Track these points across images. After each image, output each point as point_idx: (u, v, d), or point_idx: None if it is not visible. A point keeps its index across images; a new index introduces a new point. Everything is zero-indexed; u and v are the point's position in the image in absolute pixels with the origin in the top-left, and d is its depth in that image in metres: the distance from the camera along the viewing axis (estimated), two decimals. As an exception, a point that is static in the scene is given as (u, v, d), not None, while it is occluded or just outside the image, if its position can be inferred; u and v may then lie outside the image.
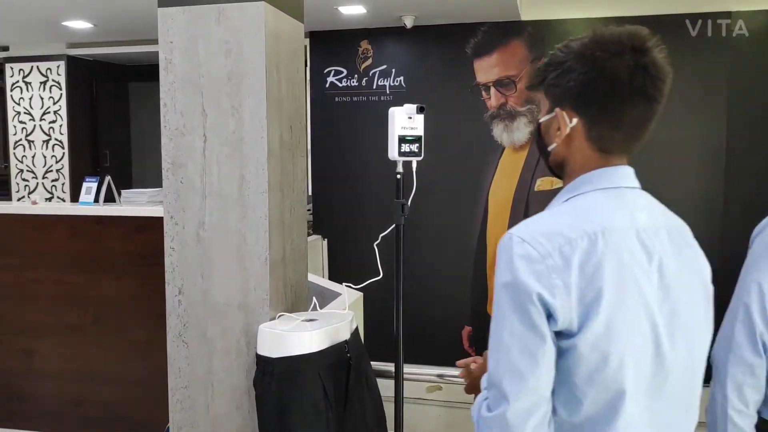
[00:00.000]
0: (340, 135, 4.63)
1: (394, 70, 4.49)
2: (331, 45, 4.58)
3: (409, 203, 1.69)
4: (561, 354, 0.91)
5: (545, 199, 4.23)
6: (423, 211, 4.51)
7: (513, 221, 4.36)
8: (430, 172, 4.43)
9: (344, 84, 4.56)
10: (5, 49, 5.01)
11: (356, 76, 4.55)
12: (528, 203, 4.34)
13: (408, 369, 2.21)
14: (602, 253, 0.91)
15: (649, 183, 1.14)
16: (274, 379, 1.62)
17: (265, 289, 1.77)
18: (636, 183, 1.04)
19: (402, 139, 1.60)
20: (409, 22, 4.15)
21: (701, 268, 1.04)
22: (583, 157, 1.01)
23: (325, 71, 4.59)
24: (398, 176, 1.64)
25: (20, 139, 5.02)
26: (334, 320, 1.76)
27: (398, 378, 1.73)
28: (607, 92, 0.97)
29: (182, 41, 1.78)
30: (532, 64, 4.27)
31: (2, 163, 5.34)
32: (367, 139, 4.57)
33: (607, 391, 0.90)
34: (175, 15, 1.77)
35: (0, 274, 3.55)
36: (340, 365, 1.70)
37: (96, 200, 3.51)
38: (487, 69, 4.34)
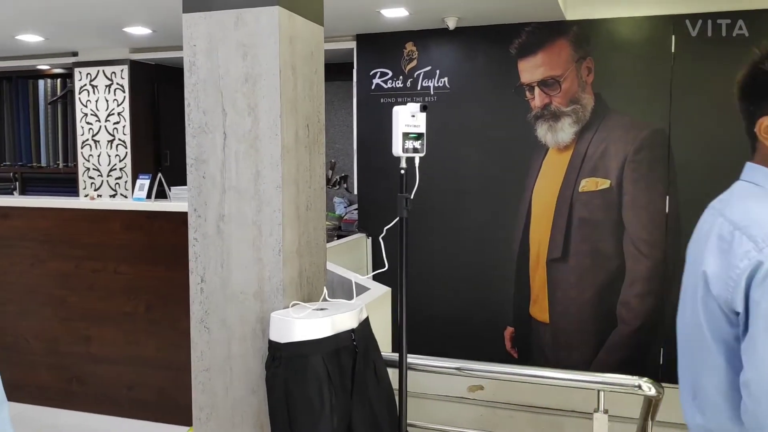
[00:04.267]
0: (385, 136, 4.70)
1: (438, 71, 4.54)
2: (377, 47, 4.67)
3: (412, 197, 1.75)
4: None
5: (590, 200, 4.21)
6: (466, 211, 4.56)
7: (557, 222, 4.35)
8: (475, 173, 4.50)
9: (390, 85, 4.65)
10: (75, 54, 5.34)
11: (401, 77, 4.62)
12: (572, 204, 4.31)
13: (426, 361, 2.28)
14: None
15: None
16: (282, 363, 1.72)
17: (279, 279, 1.87)
18: None
19: (406, 137, 1.66)
20: (451, 24, 4.19)
21: None
22: None
23: (371, 73, 4.69)
24: (402, 172, 1.71)
25: (87, 139, 5.34)
26: (342, 309, 1.84)
27: (401, 369, 1.79)
28: None
29: (204, 44, 1.90)
30: (577, 64, 4.24)
31: (71, 162, 5.68)
32: (412, 140, 4.63)
33: None
34: (198, 20, 1.90)
35: (64, 264, 3.82)
36: (346, 352, 1.78)
37: (149, 196, 3.72)
38: (531, 69, 4.34)
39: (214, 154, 1.91)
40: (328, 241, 5.01)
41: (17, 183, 6.07)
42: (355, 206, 5.19)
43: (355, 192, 4.91)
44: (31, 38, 4.80)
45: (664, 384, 4.16)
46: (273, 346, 1.75)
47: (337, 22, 4.37)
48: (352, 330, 1.80)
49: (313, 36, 2.02)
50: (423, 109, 1.66)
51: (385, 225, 4.70)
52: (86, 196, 5.07)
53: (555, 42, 4.27)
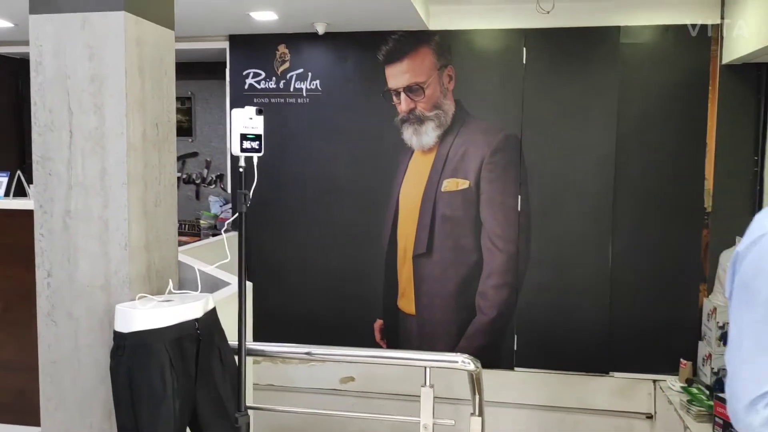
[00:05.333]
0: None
1: (310, 74, 4.69)
2: (250, 48, 4.76)
3: (251, 194, 1.88)
4: None
5: (451, 199, 4.51)
6: (339, 208, 4.74)
7: (422, 220, 4.61)
8: (346, 172, 4.68)
9: (263, 86, 4.75)
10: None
11: (274, 78, 4.74)
12: (436, 203, 4.59)
13: (276, 348, 2.43)
14: None
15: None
16: (126, 351, 1.80)
17: (125, 273, 1.95)
18: None
19: (243, 137, 1.80)
20: (321, 29, 4.36)
21: None
22: None
23: (245, 73, 4.77)
24: (240, 170, 1.84)
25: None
26: (187, 300, 1.95)
27: (240, 353, 1.93)
28: None
29: (50, 46, 1.95)
30: (439, 72, 4.52)
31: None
32: (285, 140, 4.77)
33: None
34: (44, 21, 1.95)
35: None
36: (189, 340, 1.89)
37: (6, 194, 3.62)
38: (397, 75, 4.58)
39: (60, 151, 1.96)
40: (202, 239, 5.04)
41: None
42: (230, 205, 5.24)
43: (229, 191, 4.97)
44: None
45: (517, 368, 4.57)
46: (117, 336, 1.84)
47: (207, 22, 4.42)
48: (196, 319, 1.91)
49: (163, 39, 2.11)
50: (259, 112, 1.81)
51: (263, 223, 4.82)
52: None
53: (419, 50, 4.53)
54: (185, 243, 5.21)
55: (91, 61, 1.93)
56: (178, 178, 5.67)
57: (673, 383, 4.28)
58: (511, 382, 4.61)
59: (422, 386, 2.07)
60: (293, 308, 4.87)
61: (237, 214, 1.88)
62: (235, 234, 4.77)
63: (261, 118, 1.82)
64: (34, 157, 1.99)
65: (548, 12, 4.12)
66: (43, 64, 1.96)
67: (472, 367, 2.06)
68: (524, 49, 4.42)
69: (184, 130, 5.76)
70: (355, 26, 4.47)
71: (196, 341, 1.91)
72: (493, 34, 4.46)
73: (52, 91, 1.96)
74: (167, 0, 2.16)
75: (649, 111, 4.32)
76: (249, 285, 3.03)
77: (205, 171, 5.74)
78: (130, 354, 1.80)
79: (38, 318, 2.02)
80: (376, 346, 4.80)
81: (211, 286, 3.16)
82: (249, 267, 4.85)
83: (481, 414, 2.09)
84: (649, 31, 4.28)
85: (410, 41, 4.54)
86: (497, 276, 4.58)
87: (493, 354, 4.62)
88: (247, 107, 1.80)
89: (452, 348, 4.66)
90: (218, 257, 4.64)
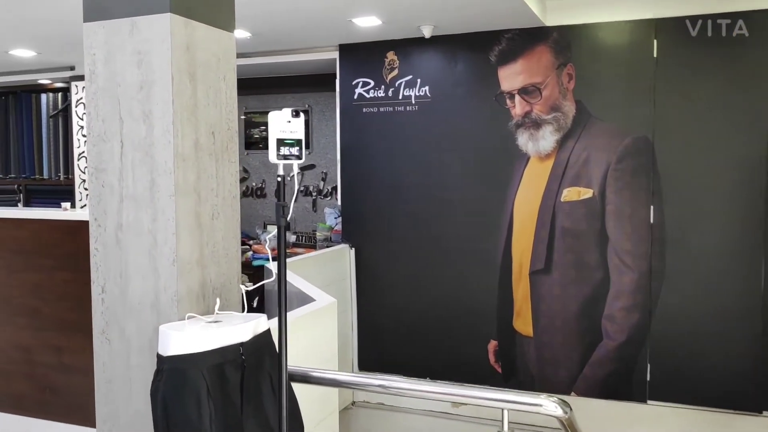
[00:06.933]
0: (367, 145, 4.67)
1: (419, 80, 4.49)
2: (358, 57, 4.64)
3: (291, 206, 1.69)
4: None
5: (572, 209, 4.09)
6: (449, 220, 4.47)
7: (539, 233, 4.23)
8: (457, 182, 4.42)
9: (372, 95, 4.61)
10: (72, 68, 5.44)
11: (383, 86, 4.58)
12: (555, 214, 4.19)
13: (326, 375, 2.22)
14: None
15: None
16: (163, 376, 1.68)
17: (174, 290, 1.83)
18: None
19: (281, 143, 1.61)
20: (427, 32, 4.14)
21: None
22: None
23: (354, 83, 4.65)
24: (278, 179, 1.65)
25: (83, 152, 5.41)
26: (234, 322, 1.79)
27: (281, 377, 1.74)
28: None
29: (102, 53, 1.88)
30: (558, 71, 4.13)
31: (71, 173, 5.78)
32: (394, 149, 4.59)
33: None
34: (97, 29, 1.89)
35: (36, 275, 3.86)
36: (233, 366, 1.72)
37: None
38: (511, 76, 4.25)
39: (112, 162, 1.89)
40: (318, 251, 4.98)
41: (21, 195, 6.21)
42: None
43: (339, 203, 4.87)
44: (24, 53, 4.90)
45: (651, 402, 4.03)
46: (158, 359, 1.71)
47: (316, 32, 4.36)
48: (241, 344, 1.74)
49: (219, 43, 1.99)
50: (296, 114, 1.61)
51: (369, 235, 4.66)
52: (82, 207, 5.14)
53: (535, 48, 4.18)
54: (299, 254, 5.20)
55: (140, 68, 1.84)
56: (297, 190, 5.68)
57: None
58: (643, 417, 4.08)
59: (499, 431, 1.76)
60: (402, 326, 4.65)
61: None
62: (342, 247, 4.68)
63: (300, 120, 1.62)
64: (88, 169, 1.93)
65: (682, -3, 3.62)
66: (96, 73, 1.90)
67: (560, 412, 1.72)
68: (655, 41, 3.92)
69: (301, 142, 5.76)
70: (463, 27, 4.20)
71: (241, 367, 1.74)
72: (619, 27, 4.00)
73: (104, 100, 1.89)
74: (225, 1, 2.03)
75: (810, 105, 3.67)
76: (333, 301, 2.86)
77: (322, 183, 5.70)
78: (167, 379, 1.67)
79: (94, 335, 1.96)
80: (490, 368, 4.46)
81: (299, 301, 3.03)
82: (358, 283, 4.72)
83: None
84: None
85: (525, 39, 4.20)
86: (627, 296, 4.09)
87: (623, 384, 4.12)
88: (284, 109, 1.61)
89: (576, 374, 4.22)
90: (327, 269, 4.56)
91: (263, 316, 1.87)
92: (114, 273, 1.91)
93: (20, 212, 4.06)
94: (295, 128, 1.62)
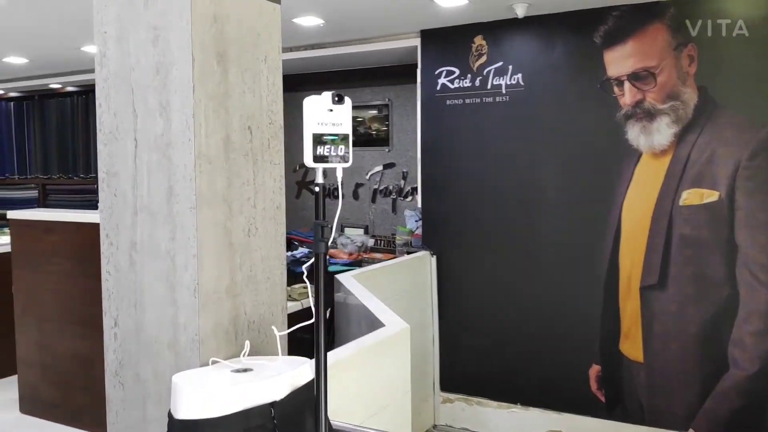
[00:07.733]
0: (451, 141, 4.20)
1: (511, 68, 3.97)
2: (442, 44, 4.18)
3: (335, 225, 1.25)
4: None
5: (693, 215, 3.48)
6: (543, 227, 3.94)
7: (652, 242, 3.63)
8: (554, 183, 3.87)
9: (456, 85, 4.13)
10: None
11: (469, 75, 4.09)
12: (672, 220, 3.58)
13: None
14: None
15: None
16: (174, 443, 1.29)
17: (195, 327, 1.45)
18: None
19: (318, 140, 1.17)
20: (520, 11, 3.61)
21: None
22: None
23: (437, 72, 4.19)
24: (316, 189, 1.21)
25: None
26: (264, 374, 1.38)
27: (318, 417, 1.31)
28: None
29: (114, 30, 1.52)
30: (676, 52, 3.52)
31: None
32: (482, 145, 4.10)
33: None
34: (108, 2, 1.52)
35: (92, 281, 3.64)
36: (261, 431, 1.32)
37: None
38: (620, 60, 3.67)
39: (125, 165, 1.52)
40: (397, 257, 4.56)
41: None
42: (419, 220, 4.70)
43: (419, 204, 4.43)
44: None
45: (793, 447, 3.37)
46: (169, 419, 1.33)
47: (396, 16, 3.93)
48: (273, 404, 1.33)
49: (260, 15, 1.59)
50: (338, 99, 1.16)
51: (452, 240, 4.20)
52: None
53: (648, 27, 3.57)
54: (378, 260, 4.81)
55: (155, 46, 1.46)
56: (375, 190, 5.28)
57: None
58: (779, 463, 3.42)
59: None
60: (489, 343, 4.15)
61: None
62: (422, 254, 4.23)
63: (346, 108, 1.17)
64: (100, 174, 1.58)
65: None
66: (107, 56, 1.54)
67: None
68: (801, 12, 3.25)
69: (381, 140, 5.36)
70: (562, 5, 3.65)
71: (272, 434, 1.33)
72: (744, 1, 3.34)
73: (116, 88, 1.53)
74: (266, -39, 1.63)
75: None
76: (406, 327, 2.43)
77: (402, 182, 5.27)
78: (178, 448, 1.28)
79: (106, 377, 1.60)
80: (592, 396, 3.89)
81: (368, 324, 2.61)
82: (439, 294, 4.26)
83: None
84: None
85: (636, 17, 3.60)
86: (760, 319, 3.43)
87: (754, 422, 3.47)
88: (324, 93, 1.17)
89: (696, 408, 3.59)
90: (406, 279, 4.13)
91: (305, 365, 1.45)
92: (127, 302, 1.55)
93: (79, 216, 3.86)
94: (339, 119, 1.17)
